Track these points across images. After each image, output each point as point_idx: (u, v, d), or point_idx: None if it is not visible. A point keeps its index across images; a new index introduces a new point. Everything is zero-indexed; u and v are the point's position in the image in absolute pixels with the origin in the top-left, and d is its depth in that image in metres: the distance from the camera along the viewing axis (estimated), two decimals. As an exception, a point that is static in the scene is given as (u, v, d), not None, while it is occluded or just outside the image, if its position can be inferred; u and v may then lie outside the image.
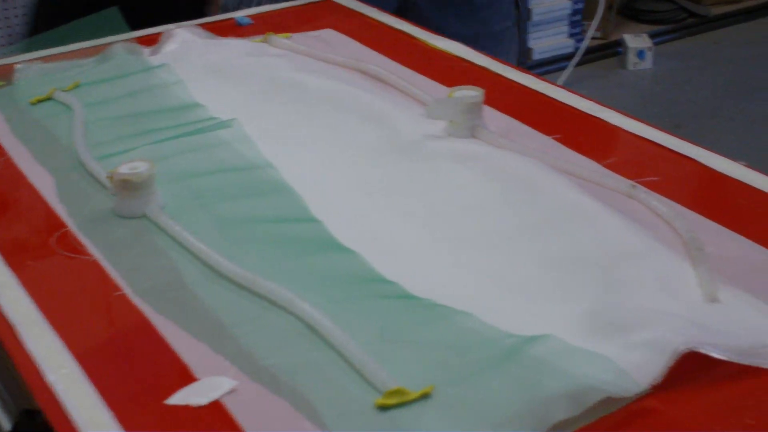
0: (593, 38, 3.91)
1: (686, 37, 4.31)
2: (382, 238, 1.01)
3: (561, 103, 1.28)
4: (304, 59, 1.42)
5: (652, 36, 4.10)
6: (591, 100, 1.27)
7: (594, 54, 3.96)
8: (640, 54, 3.97)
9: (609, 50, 4.07)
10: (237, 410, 0.78)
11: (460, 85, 1.18)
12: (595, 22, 3.82)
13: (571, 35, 3.94)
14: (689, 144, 1.15)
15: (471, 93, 1.16)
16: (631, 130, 1.20)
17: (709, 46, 4.26)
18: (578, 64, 3.77)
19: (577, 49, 3.80)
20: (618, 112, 1.24)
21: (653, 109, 3.66)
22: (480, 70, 1.39)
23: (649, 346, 0.80)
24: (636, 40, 4.01)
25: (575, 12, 3.94)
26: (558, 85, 1.32)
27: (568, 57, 3.79)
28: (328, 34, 1.53)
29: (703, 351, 0.79)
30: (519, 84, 1.34)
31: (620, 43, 4.04)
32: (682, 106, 3.67)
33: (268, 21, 1.60)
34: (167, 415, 0.78)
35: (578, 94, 1.29)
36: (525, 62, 3.75)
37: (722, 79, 3.95)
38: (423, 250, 0.99)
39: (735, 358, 0.80)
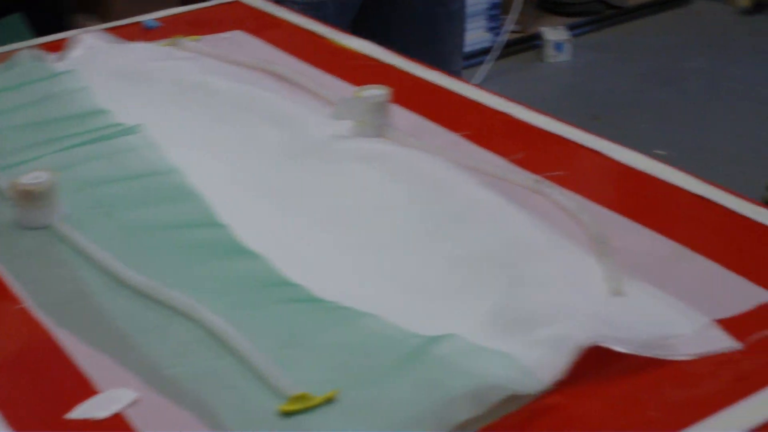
0: (512, 32, 3.93)
1: (604, 29, 4.34)
2: (288, 241, 1.00)
3: (469, 99, 1.28)
4: (212, 62, 1.40)
5: (570, 28, 4.12)
6: (499, 95, 1.27)
7: (513, 47, 3.98)
8: (559, 47, 3.99)
9: (528, 44, 4.08)
10: (139, 422, 0.77)
11: (369, 84, 1.18)
12: (512, 16, 3.86)
13: (490, 29, 3.94)
14: (595, 137, 1.16)
15: (377, 92, 1.15)
16: (538, 126, 1.20)
17: (626, 38, 4.29)
18: (498, 58, 3.80)
19: (495, 43, 3.82)
20: (526, 107, 1.24)
21: (572, 101, 3.68)
22: (389, 68, 1.39)
23: (553, 343, 0.80)
24: (554, 32, 4.03)
25: (493, 6, 3.94)
26: (466, 82, 1.32)
27: (486, 51, 3.81)
28: (237, 36, 1.52)
29: (605, 345, 0.79)
30: (427, 81, 1.34)
31: (539, 36, 4.06)
32: (601, 98, 3.70)
33: (177, 24, 1.58)
34: (68, 429, 0.77)
35: (487, 90, 1.29)
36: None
37: (639, 69, 3.99)
38: (329, 252, 0.99)
39: (638, 351, 0.80)
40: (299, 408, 0.76)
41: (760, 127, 3.61)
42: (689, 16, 4.59)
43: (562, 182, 1.06)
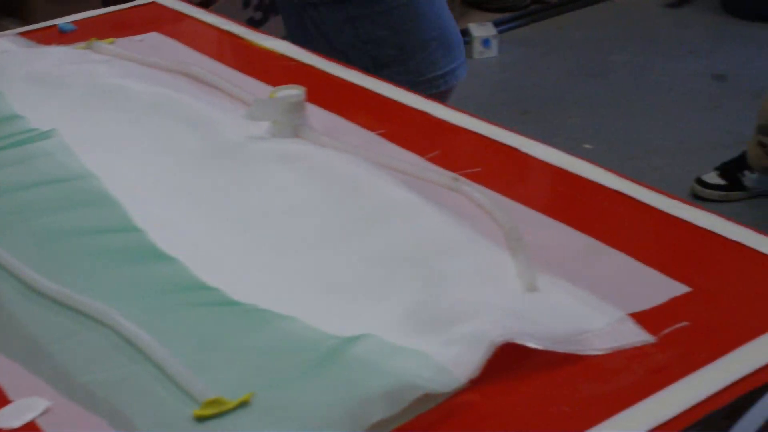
0: (439, 29, 3.93)
1: (530, 24, 4.37)
2: (204, 244, 1.00)
3: (386, 98, 1.28)
4: (128, 65, 1.39)
5: (497, 24, 4.14)
6: (416, 93, 1.27)
7: (440, 44, 3.98)
8: (486, 42, 4.01)
9: (455, 40, 4.08)
10: (52, 430, 0.76)
11: (285, 84, 1.18)
12: (439, 13, 3.85)
13: (417, 27, 3.94)
14: (511, 133, 1.16)
15: (293, 92, 1.15)
16: (455, 123, 1.20)
17: (553, 32, 4.32)
18: (425, 55, 3.79)
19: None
20: (442, 104, 1.24)
21: (500, 97, 3.70)
22: (306, 68, 1.39)
23: (467, 340, 0.80)
24: (481, 28, 4.04)
25: (419, 3, 3.94)
26: (384, 80, 1.32)
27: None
28: (153, 38, 1.51)
29: (519, 341, 0.79)
30: (344, 80, 1.34)
31: (465, 33, 4.07)
32: (529, 93, 3.72)
33: (92, 27, 1.57)
34: (-21, 440, 0.76)
35: (404, 88, 1.29)
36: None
37: (567, 64, 4.01)
38: (246, 254, 0.98)
39: (551, 347, 0.80)
40: (213, 412, 0.76)
41: (687, 119, 3.65)
42: (615, 10, 4.63)
43: (479, 179, 1.06)
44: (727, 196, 3.22)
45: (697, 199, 3.18)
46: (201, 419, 0.76)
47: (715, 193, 3.23)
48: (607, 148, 3.34)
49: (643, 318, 0.85)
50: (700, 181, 3.25)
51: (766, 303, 0.87)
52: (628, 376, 0.79)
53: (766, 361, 0.79)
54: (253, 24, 3.26)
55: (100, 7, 1.68)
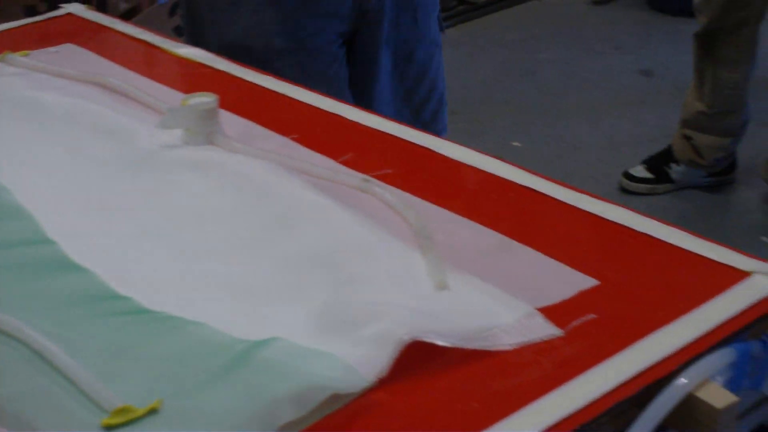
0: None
1: (457, 25, 4.39)
2: (117, 254, 1.00)
3: (299, 102, 1.28)
4: (42, 77, 1.38)
5: (425, 26, 4.14)
6: (328, 97, 1.28)
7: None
8: (413, 44, 4.01)
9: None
10: (-41, 446, 0.76)
11: (198, 91, 1.18)
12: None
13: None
14: (423, 134, 1.17)
15: (205, 100, 1.15)
16: (368, 125, 1.21)
17: (480, 32, 4.35)
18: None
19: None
20: (355, 107, 1.25)
21: (429, 98, 3.71)
22: (220, 74, 1.39)
23: (375, 340, 0.80)
24: (408, 30, 4.05)
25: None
26: (298, 85, 1.32)
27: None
28: (68, 49, 1.50)
29: (426, 339, 0.80)
30: (259, 86, 1.34)
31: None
32: (457, 93, 3.73)
33: (6, 39, 1.55)
34: None
35: (316, 92, 1.30)
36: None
37: (494, 63, 4.04)
38: (159, 262, 0.98)
39: (459, 344, 0.81)
40: (122, 421, 0.76)
41: (615, 114, 3.69)
42: (542, 9, 4.67)
43: (391, 180, 1.07)
44: (655, 189, 3.25)
45: (625, 193, 3.21)
46: (110, 428, 0.75)
47: (643, 186, 3.26)
48: (535, 146, 3.36)
49: (551, 312, 0.86)
50: (628, 175, 3.29)
51: (672, 293, 0.88)
52: (536, 370, 0.80)
53: (671, 350, 0.80)
54: (180, 32, 3.24)
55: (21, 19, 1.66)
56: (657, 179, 3.26)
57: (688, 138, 3.20)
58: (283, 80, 1.34)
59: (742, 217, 3.14)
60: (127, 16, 3.11)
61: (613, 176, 3.30)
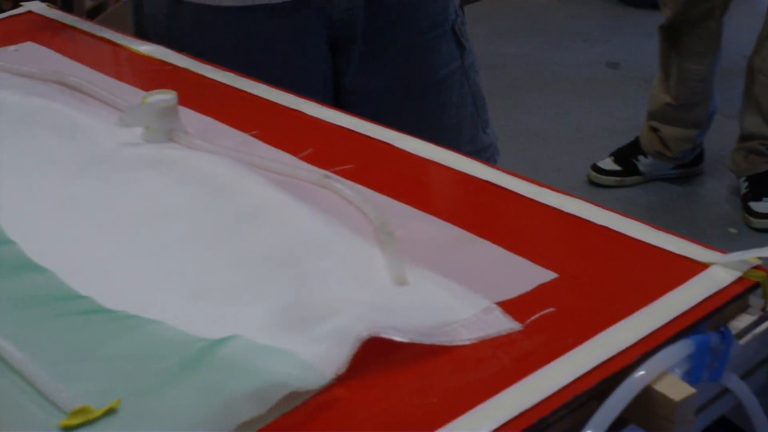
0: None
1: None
2: (77, 253, 0.99)
3: (259, 98, 1.28)
4: (2, 75, 1.38)
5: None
6: (290, 93, 1.28)
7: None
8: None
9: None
10: None
11: (159, 88, 1.17)
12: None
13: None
14: (382, 128, 1.17)
15: (164, 97, 1.15)
16: (329, 120, 1.21)
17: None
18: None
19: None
20: (316, 103, 1.25)
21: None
22: (181, 71, 1.38)
23: (333, 336, 0.80)
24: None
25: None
26: (258, 81, 1.32)
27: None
28: (28, 48, 1.49)
29: (385, 335, 0.80)
30: (218, 82, 1.33)
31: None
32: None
33: (-34, 39, 1.55)
34: None
35: (278, 88, 1.29)
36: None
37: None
38: (118, 261, 0.98)
39: (418, 339, 0.81)
40: (80, 422, 0.75)
41: (582, 107, 3.70)
42: (508, 2, 4.67)
43: (351, 176, 1.06)
44: (623, 182, 3.27)
45: (593, 186, 3.23)
46: (68, 429, 0.75)
47: (611, 179, 3.28)
48: (503, 139, 3.35)
49: (510, 306, 0.86)
50: (596, 168, 3.30)
51: (631, 286, 0.89)
52: (495, 364, 0.80)
53: (630, 342, 0.80)
54: (145, 30, 3.23)
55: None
56: (625, 171, 3.28)
57: (655, 130, 3.21)
58: (244, 76, 1.33)
59: (710, 208, 3.16)
60: (92, 14, 3.09)
61: (581, 169, 3.31)
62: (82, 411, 0.76)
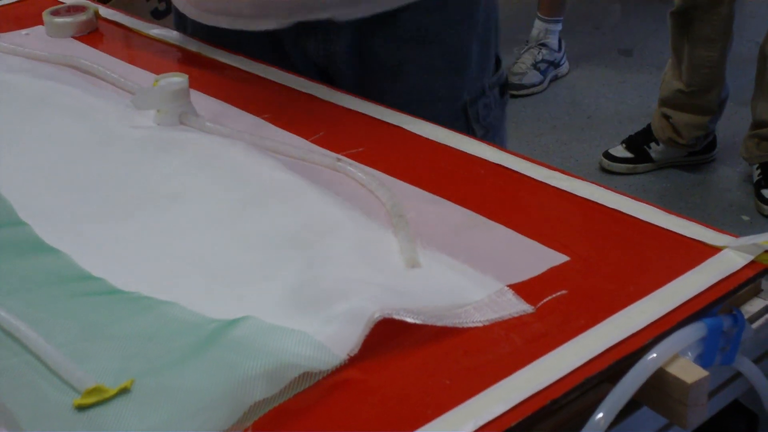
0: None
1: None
2: (90, 235, 0.99)
3: (271, 81, 1.28)
4: (12, 59, 1.38)
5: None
6: (301, 76, 1.28)
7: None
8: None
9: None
10: (-69, 428, 0.76)
11: (171, 72, 1.18)
12: None
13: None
14: (394, 112, 1.17)
15: (176, 80, 1.15)
16: (340, 104, 1.21)
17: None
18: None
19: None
20: (327, 86, 1.25)
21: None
22: (193, 55, 1.38)
23: (346, 317, 0.80)
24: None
25: None
26: (269, 65, 1.32)
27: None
28: (39, 31, 1.49)
29: (398, 317, 0.80)
30: (231, 66, 1.34)
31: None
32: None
33: (-23, 22, 1.55)
34: None
35: (289, 72, 1.29)
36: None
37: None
38: (131, 243, 0.98)
39: (430, 321, 0.81)
40: (94, 401, 0.75)
41: (594, 94, 3.68)
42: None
43: (362, 159, 1.06)
44: (635, 169, 3.26)
45: (605, 173, 3.22)
46: (82, 408, 0.75)
47: (623, 166, 3.27)
48: (515, 126, 3.36)
49: (522, 288, 0.86)
50: (608, 155, 3.29)
51: (643, 269, 0.88)
52: (507, 346, 0.80)
53: (642, 325, 0.80)
54: (158, 15, 3.23)
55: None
56: (637, 158, 3.27)
57: (666, 117, 3.21)
58: (255, 60, 1.33)
59: (723, 195, 3.15)
60: (104, -1, 3.10)
61: (592, 156, 3.31)
62: (95, 390, 0.76)
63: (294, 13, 1.33)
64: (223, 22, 1.38)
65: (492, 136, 1.45)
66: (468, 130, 1.41)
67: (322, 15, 1.32)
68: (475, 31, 1.40)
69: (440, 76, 1.40)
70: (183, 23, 1.47)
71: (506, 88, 1.49)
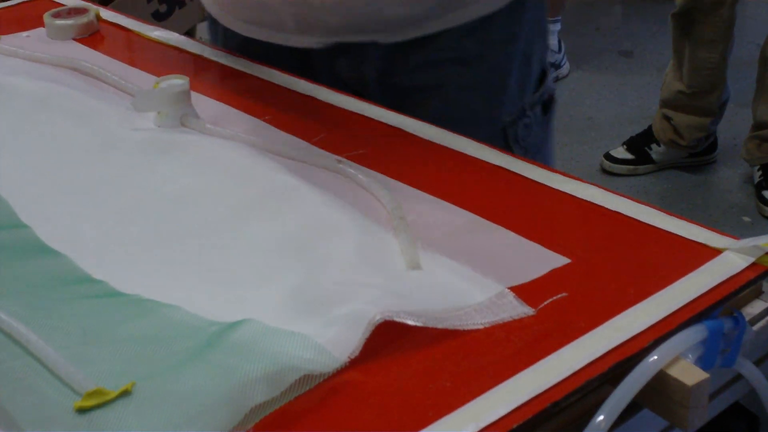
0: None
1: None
2: (91, 237, 1.00)
3: (272, 83, 1.28)
4: (14, 61, 1.38)
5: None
6: (301, 78, 1.28)
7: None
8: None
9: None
10: (-69, 431, 0.76)
11: (171, 74, 1.18)
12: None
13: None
14: (395, 114, 1.17)
15: (177, 82, 1.15)
16: (340, 105, 1.21)
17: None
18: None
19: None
20: (328, 88, 1.25)
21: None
22: (194, 57, 1.38)
23: (346, 320, 0.80)
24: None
25: None
26: (270, 66, 1.32)
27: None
28: (40, 34, 1.50)
29: (398, 320, 0.80)
30: (231, 68, 1.34)
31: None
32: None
33: (-22, 25, 1.55)
34: None
35: (288, 74, 1.29)
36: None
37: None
38: (133, 246, 0.98)
39: (431, 323, 0.81)
40: (94, 403, 0.75)
41: (595, 95, 3.68)
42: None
43: (364, 161, 1.06)
44: (636, 170, 3.26)
45: (606, 174, 3.22)
46: (82, 411, 0.75)
47: (624, 168, 3.27)
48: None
49: (523, 291, 0.86)
50: (609, 156, 3.30)
51: (644, 271, 0.88)
52: (507, 348, 0.80)
53: (643, 327, 0.80)
54: (159, 17, 3.23)
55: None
56: (638, 160, 3.27)
57: (668, 118, 3.21)
58: (255, 62, 1.33)
59: (724, 197, 3.15)
60: (105, 1, 3.10)
61: (593, 158, 3.31)
62: (96, 393, 0.76)
63: (338, 34, 1.31)
64: (261, 35, 1.37)
65: (532, 156, 1.33)
66: (508, 149, 1.34)
67: (367, 38, 1.30)
68: (518, 49, 1.34)
69: (478, 97, 1.35)
70: (215, 29, 1.46)
71: (551, 105, 1.42)
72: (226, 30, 1.42)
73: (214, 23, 1.46)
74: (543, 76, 1.41)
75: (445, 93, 1.34)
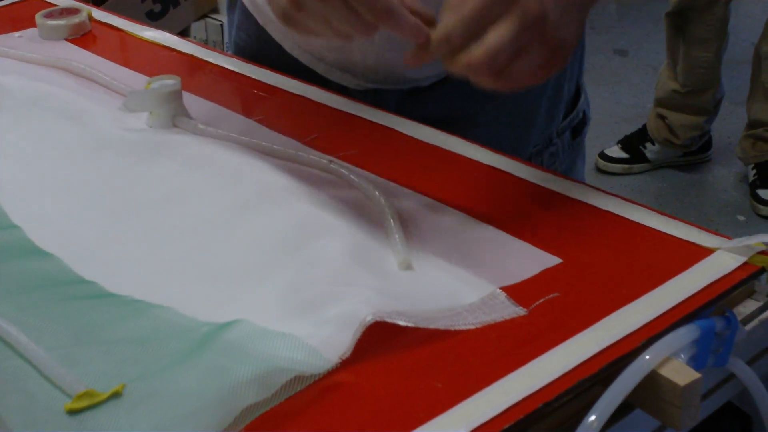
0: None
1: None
2: (82, 238, 0.99)
3: (263, 83, 1.28)
4: (6, 61, 1.38)
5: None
6: (295, 78, 1.28)
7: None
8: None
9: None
10: None
11: (162, 74, 1.18)
12: None
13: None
14: (387, 114, 1.17)
15: (168, 82, 1.15)
16: (332, 105, 1.21)
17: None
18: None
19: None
20: (321, 89, 1.25)
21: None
22: (186, 57, 1.38)
23: (338, 321, 0.80)
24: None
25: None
26: (263, 67, 1.32)
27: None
28: (32, 34, 1.49)
29: (389, 320, 0.79)
30: (223, 68, 1.33)
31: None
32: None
33: (-30, 25, 1.55)
34: None
35: (281, 74, 1.29)
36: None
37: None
38: (124, 246, 0.98)
39: (422, 324, 0.81)
40: (85, 405, 0.75)
41: (590, 94, 3.68)
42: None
43: (356, 161, 1.06)
44: (630, 169, 3.26)
45: (601, 173, 3.22)
46: (73, 412, 0.75)
47: (618, 167, 3.27)
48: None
49: (515, 291, 0.86)
50: (604, 155, 3.30)
51: (636, 271, 0.88)
52: (499, 349, 0.79)
53: (634, 327, 0.80)
54: (153, 17, 3.23)
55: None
56: (632, 159, 3.27)
57: (662, 117, 3.21)
58: (247, 62, 1.33)
59: (718, 195, 3.15)
60: (99, 1, 3.10)
61: (588, 156, 3.30)
62: (87, 395, 0.75)
63: (376, 83, 1.30)
64: (302, 56, 1.34)
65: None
66: None
67: (405, 87, 1.29)
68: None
69: (504, 131, 1.31)
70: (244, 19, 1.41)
71: (582, 129, 1.38)
72: (281, 51, 1.36)
73: (265, 44, 1.38)
74: (577, 94, 1.39)
75: (469, 126, 1.29)
